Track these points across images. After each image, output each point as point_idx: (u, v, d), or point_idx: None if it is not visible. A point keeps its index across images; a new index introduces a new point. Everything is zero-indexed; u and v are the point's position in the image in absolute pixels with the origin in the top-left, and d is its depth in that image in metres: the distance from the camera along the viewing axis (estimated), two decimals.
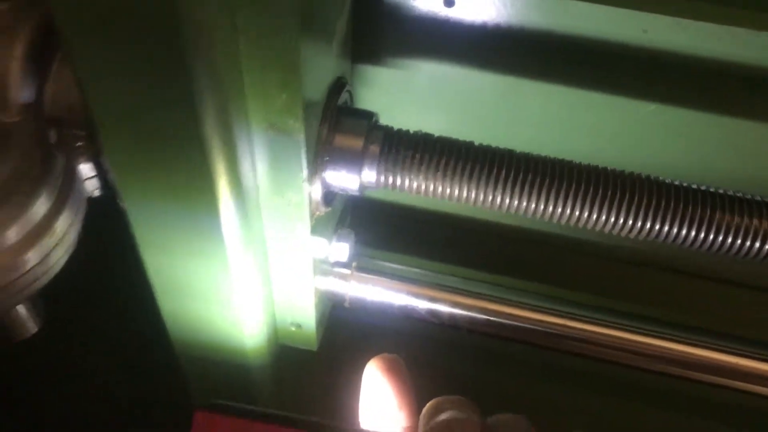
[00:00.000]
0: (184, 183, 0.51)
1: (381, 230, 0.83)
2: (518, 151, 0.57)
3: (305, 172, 0.53)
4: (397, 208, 0.82)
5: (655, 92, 0.62)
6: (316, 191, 0.57)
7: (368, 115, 0.58)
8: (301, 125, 0.49)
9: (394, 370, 0.51)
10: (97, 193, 0.59)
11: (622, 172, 0.56)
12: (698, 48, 0.57)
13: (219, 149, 0.48)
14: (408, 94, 0.66)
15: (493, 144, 0.59)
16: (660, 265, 0.80)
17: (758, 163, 0.62)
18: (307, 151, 0.53)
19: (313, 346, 0.71)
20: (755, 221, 0.55)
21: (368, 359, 0.69)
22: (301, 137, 0.50)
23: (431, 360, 0.89)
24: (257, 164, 0.53)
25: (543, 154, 0.58)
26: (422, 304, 0.71)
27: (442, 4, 0.58)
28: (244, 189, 0.53)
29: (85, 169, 0.57)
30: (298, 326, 0.69)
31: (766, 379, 0.68)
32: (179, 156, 0.49)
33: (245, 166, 0.52)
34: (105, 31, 0.42)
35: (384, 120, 0.62)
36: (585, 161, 0.57)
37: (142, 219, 0.55)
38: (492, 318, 0.70)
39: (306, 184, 0.54)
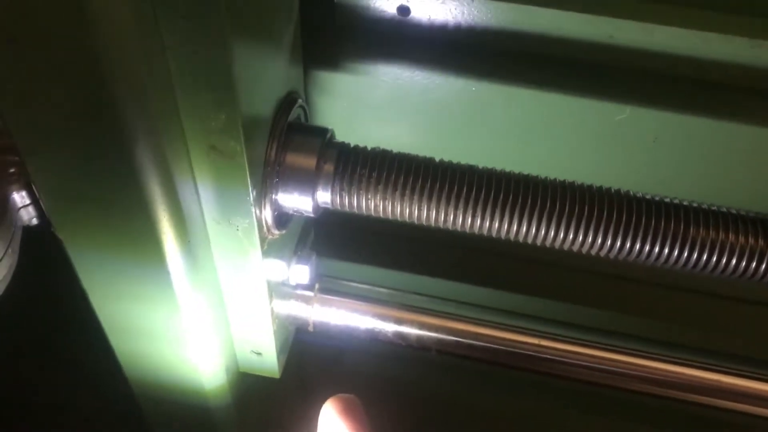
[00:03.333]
0: (119, 213, 0.47)
1: (348, 241, 0.80)
2: (481, 166, 0.54)
3: (252, 196, 0.50)
4: (363, 218, 0.79)
5: (628, 97, 0.59)
6: (267, 214, 0.54)
7: (322, 132, 0.55)
8: (242, 146, 0.46)
9: (350, 411, 0.47)
10: (34, 221, 0.55)
11: (591, 186, 0.53)
12: (665, 51, 0.54)
13: (153, 173, 0.45)
14: (369, 101, 0.63)
15: (459, 152, 0.56)
16: (640, 278, 0.77)
17: (732, 165, 0.59)
18: (253, 173, 0.49)
19: (276, 373, 0.68)
20: (732, 236, 0.52)
21: (336, 384, 0.66)
22: (244, 159, 0.47)
23: (403, 380, 0.86)
24: (200, 189, 0.50)
25: (510, 163, 0.55)
26: (389, 327, 0.67)
27: (396, 14, 0.55)
28: (186, 216, 0.49)
29: (20, 197, 0.53)
30: (258, 354, 0.66)
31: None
32: (110, 184, 0.45)
33: (186, 192, 0.48)
34: (15, 45, 0.38)
35: (344, 129, 0.59)
36: (554, 172, 0.54)
37: (82, 257, 0.52)
38: (461, 339, 0.67)
39: (254, 208, 0.51)
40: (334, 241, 0.78)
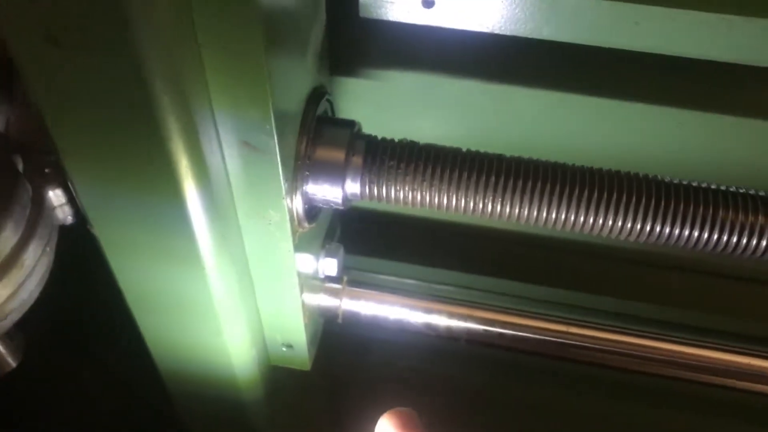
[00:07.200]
0: (153, 208, 0.48)
1: (373, 237, 0.81)
2: (508, 155, 0.55)
3: (284, 189, 0.51)
4: (387, 214, 0.79)
5: (651, 90, 0.59)
6: (299, 208, 0.55)
7: (350, 125, 0.56)
8: (275, 141, 0.47)
9: (408, 426, 0.46)
10: (69, 220, 0.56)
11: (618, 172, 0.54)
12: (691, 39, 0.54)
13: (187, 169, 0.45)
14: (392, 105, 0.64)
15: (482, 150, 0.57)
16: (668, 264, 0.77)
17: (755, 154, 0.59)
18: (285, 167, 0.50)
19: (306, 365, 0.69)
20: (759, 218, 0.52)
21: (365, 376, 0.66)
22: (276, 153, 0.48)
23: (433, 370, 0.86)
24: (233, 183, 0.51)
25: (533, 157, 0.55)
26: (418, 317, 0.68)
27: (421, 5, 0.55)
28: (219, 210, 0.50)
29: (55, 196, 0.54)
30: (289, 347, 0.67)
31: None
32: (145, 178, 0.46)
33: (220, 188, 0.49)
34: (59, 52, 0.39)
35: (368, 127, 0.60)
36: (579, 163, 0.54)
37: (118, 254, 0.53)
38: (490, 328, 0.67)
39: (286, 201, 0.52)
40: (360, 238, 0.78)
